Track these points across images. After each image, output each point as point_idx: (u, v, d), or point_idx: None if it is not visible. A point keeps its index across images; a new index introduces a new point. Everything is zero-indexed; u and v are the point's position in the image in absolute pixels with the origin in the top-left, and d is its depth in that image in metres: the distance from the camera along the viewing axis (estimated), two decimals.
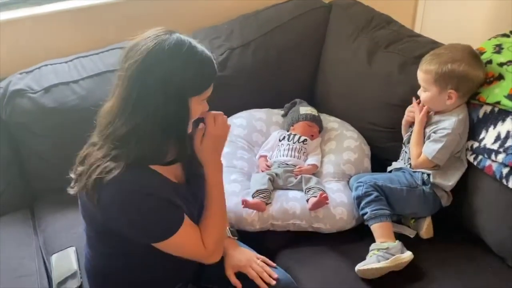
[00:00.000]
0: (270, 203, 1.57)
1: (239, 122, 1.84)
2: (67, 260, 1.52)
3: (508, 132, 1.41)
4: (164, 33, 1.10)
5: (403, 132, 1.70)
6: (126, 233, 1.16)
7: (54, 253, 1.54)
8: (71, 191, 1.19)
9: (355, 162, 1.72)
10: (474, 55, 1.50)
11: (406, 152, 1.66)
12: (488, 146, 1.44)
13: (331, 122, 1.87)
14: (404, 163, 1.64)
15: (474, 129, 1.52)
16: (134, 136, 1.10)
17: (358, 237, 1.58)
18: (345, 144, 1.76)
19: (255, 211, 1.55)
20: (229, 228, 1.47)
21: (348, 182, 1.68)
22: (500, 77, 1.48)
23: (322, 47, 2.03)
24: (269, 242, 1.58)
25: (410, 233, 1.58)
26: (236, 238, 1.47)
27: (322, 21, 2.05)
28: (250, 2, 2.10)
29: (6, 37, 1.78)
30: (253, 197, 1.57)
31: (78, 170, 1.16)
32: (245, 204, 1.54)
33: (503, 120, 1.44)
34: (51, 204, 1.73)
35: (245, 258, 1.40)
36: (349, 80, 1.89)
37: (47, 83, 1.68)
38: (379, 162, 1.77)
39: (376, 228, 1.50)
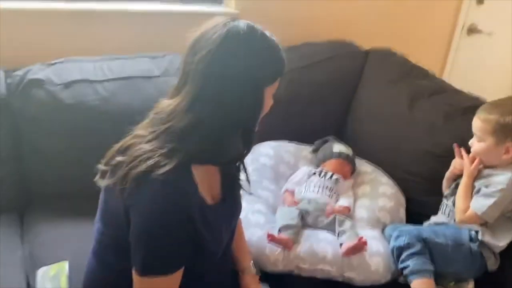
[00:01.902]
0: (299, 241, 1.39)
1: (266, 151, 1.69)
2: (56, 278, 1.29)
3: None
4: (232, 20, 0.99)
5: (444, 185, 1.56)
6: (130, 238, 0.98)
7: (41, 267, 1.31)
8: (102, 182, 1.01)
9: (391, 211, 1.57)
10: None
11: (447, 205, 1.51)
12: None
13: (363, 166, 1.73)
14: (447, 217, 1.49)
15: None
16: (198, 131, 0.96)
17: None
18: (380, 190, 1.62)
19: (280, 248, 1.37)
20: (252, 263, 1.28)
21: (382, 231, 1.51)
22: None
23: (356, 89, 1.95)
24: (291, 286, 1.38)
25: None
26: (259, 276, 1.28)
27: (358, 65, 1.99)
28: (288, 38, 2.03)
29: (33, 27, 1.65)
30: (279, 232, 1.38)
31: (116, 159, 0.99)
32: (271, 238, 1.35)
33: None
34: (45, 211, 1.52)
35: None
36: (387, 124, 1.78)
37: (69, 78, 1.53)
38: (414, 216, 1.61)
39: (418, 284, 1.32)
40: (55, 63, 1.57)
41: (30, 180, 1.56)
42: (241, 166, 1.17)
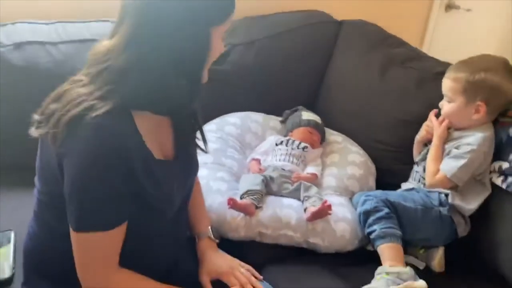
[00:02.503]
0: (261, 207, 1.33)
1: (233, 120, 1.63)
2: (1, 245, 1.22)
3: None
4: None
5: (414, 151, 1.52)
6: (64, 192, 0.90)
7: None
8: (35, 132, 0.94)
9: (360, 179, 1.51)
10: (509, 68, 1.35)
11: (417, 171, 1.46)
12: None
13: (333, 135, 1.67)
14: (417, 183, 1.44)
15: (502, 149, 1.34)
16: (136, 70, 0.88)
17: (358, 262, 1.33)
18: (349, 158, 1.56)
19: (242, 214, 1.30)
20: (210, 228, 1.21)
21: (350, 199, 1.45)
22: None
23: (329, 60, 1.88)
24: (253, 254, 1.31)
25: (419, 264, 1.35)
26: (217, 241, 1.21)
27: (332, 35, 1.91)
28: (256, 6, 1.97)
29: None
30: (241, 198, 1.32)
31: (50, 107, 0.91)
32: (232, 204, 1.28)
33: None
34: None
35: (227, 264, 1.15)
36: (358, 95, 1.72)
37: (20, 39, 1.45)
38: (384, 186, 1.55)
39: (384, 249, 1.26)
40: (5, 24, 1.49)
41: None
42: (196, 123, 1.11)
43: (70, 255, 0.94)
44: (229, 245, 1.27)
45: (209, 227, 1.21)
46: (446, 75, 1.39)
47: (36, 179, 1.03)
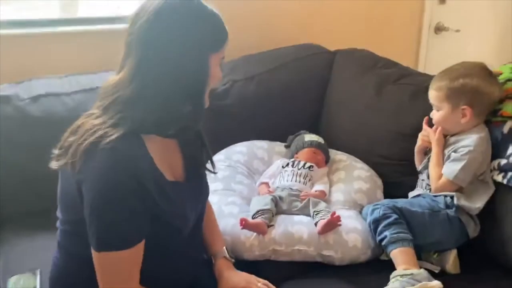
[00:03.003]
0: (273, 225, 1.37)
1: (239, 149, 1.70)
2: (28, 283, 1.27)
3: None
4: None
5: (416, 161, 1.56)
6: (85, 216, 0.97)
7: (13, 275, 1.29)
8: (55, 165, 1.02)
9: (367, 192, 1.55)
10: (487, 71, 1.43)
11: (423, 180, 1.51)
12: None
13: (338, 154, 1.73)
14: (423, 190, 1.48)
15: (499, 147, 1.39)
16: (142, 98, 0.97)
17: (374, 271, 1.35)
18: (355, 174, 1.61)
19: (255, 234, 1.35)
20: (225, 248, 1.26)
21: (360, 212, 1.49)
22: None
23: (327, 86, 1.97)
24: (269, 273, 1.32)
25: (434, 269, 1.36)
26: (233, 260, 1.25)
27: (326, 64, 2.01)
28: (255, 44, 2.09)
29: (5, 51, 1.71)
30: (253, 218, 1.37)
31: (68, 141, 1.00)
32: (244, 224, 1.33)
33: None
34: (19, 227, 1.51)
35: (244, 279, 1.19)
36: (357, 114, 1.80)
37: (36, 93, 1.57)
38: (392, 198, 1.58)
39: (397, 254, 1.29)
40: (22, 81, 1.62)
41: (2, 199, 1.55)
42: (203, 146, 1.18)
43: (94, 280, 1.00)
44: (244, 266, 1.30)
45: (224, 248, 1.26)
46: (430, 86, 1.47)
47: (58, 211, 1.10)
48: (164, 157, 1.07)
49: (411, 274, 1.22)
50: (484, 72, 1.41)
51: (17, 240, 1.47)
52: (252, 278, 1.20)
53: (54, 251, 1.14)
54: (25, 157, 1.54)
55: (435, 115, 1.46)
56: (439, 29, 2.64)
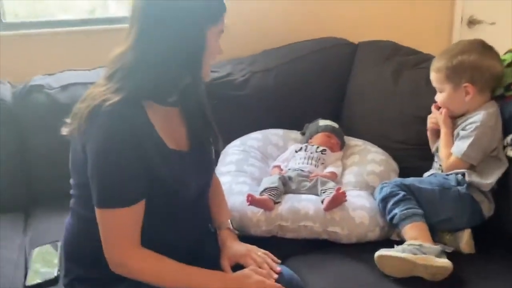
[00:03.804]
0: (280, 202, 1.39)
1: (254, 135, 1.74)
2: (49, 253, 1.37)
3: None
4: None
5: (430, 143, 1.54)
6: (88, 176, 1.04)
7: (37, 247, 1.39)
8: (65, 131, 1.11)
9: (380, 174, 1.53)
10: (485, 46, 1.40)
11: (436, 161, 1.48)
12: None
13: (354, 140, 1.73)
14: (437, 170, 1.45)
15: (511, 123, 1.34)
16: (143, 66, 1.04)
17: None
18: (369, 157, 1.60)
19: (261, 210, 1.37)
20: (230, 221, 1.29)
21: (372, 194, 1.47)
22: None
23: (348, 77, 1.97)
24: (275, 250, 1.33)
25: (447, 249, 1.32)
26: (237, 232, 1.28)
27: (349, 55, 2.01)
28: (274, 39, 2.13)
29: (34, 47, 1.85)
30: (260, 195, 1.39)
31: (77, 108, 1.09)
32: (251, 200, 1.36)
33: None
34: (48, 207, 1.61)
35: (245, 248, 1.21)
36: (374, 100, 1.79)
37: (66, 82, 1.70)
38: None
39: (408, 230, 1.27)
40: (55, 73, 1.75)
41: (34, 181, 1.67)
42: (207, 123, 1.22)
43: (99, 238, 1.06)
44: (251, 243, 1.32)
45: (229, 220, 1.29)
46: (430, 68, 1.45)
47: (71, 180, 1.18)
48: (166, 126, 1.12)
49: (420, 245, 1.19)
50: (481, 47, 1.39)
51: (44, 218, 1.58)
52: (253, 247, 1.21)
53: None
54: (55, 142, 1.65)
55: (439, 97, 1.44)
56: (472, 22, 2.56)
